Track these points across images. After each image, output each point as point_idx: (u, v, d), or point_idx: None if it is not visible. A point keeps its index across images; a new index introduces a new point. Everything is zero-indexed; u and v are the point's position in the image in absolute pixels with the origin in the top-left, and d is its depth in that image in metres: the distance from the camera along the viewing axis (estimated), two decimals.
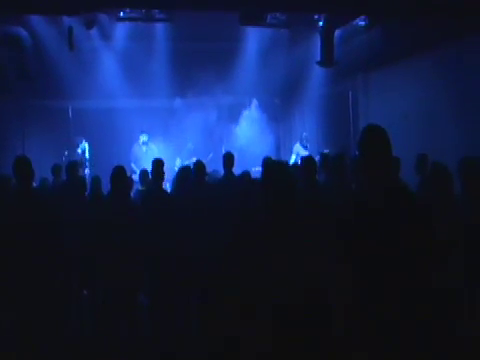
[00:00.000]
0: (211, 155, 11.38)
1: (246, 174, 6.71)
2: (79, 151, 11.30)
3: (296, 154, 11.41)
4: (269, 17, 9.99)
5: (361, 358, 2.88)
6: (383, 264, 2.86)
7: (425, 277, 2.86)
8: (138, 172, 10.29)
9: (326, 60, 10.21)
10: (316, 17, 10.42)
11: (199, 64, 11.16)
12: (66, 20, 9.65)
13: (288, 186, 3.29)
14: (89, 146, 11.51)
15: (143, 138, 11.56)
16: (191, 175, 6.35)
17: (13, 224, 4.75)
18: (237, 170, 7.00)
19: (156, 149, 11.48)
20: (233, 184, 6.44)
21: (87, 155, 11.45)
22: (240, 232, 3.84)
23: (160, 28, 11.12)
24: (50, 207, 5.04)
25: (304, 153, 10.93)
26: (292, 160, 11.10)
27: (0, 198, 5.72)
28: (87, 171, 11.18)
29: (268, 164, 5.08)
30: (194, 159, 11.18)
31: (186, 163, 10.29)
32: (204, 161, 6.82)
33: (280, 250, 3.10)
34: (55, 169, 7.99)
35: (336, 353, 2.94)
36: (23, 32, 10.14)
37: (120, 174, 5.62)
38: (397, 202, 2.96)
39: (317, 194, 5.66)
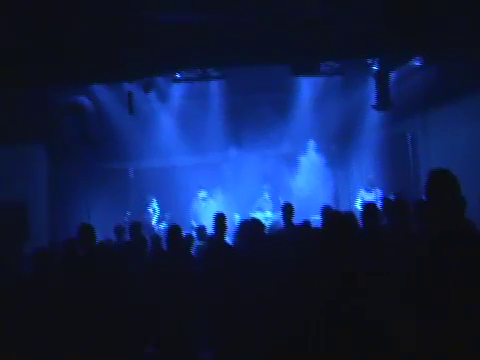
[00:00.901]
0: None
1: (306, 224, 6.66)
2: (151, 210, 11.52)
3: (361, 199, 11.20)
4: (322, 66, 10.05)
5: None
6: (452, 312, 2.73)
7: None
8: None
9: (382, 103, 10.12)
10: (370, 61, 10.41)
11: (253, 116, 11.32)
12: (126, 86, 10.07)
13: (349, 237, 3.25)
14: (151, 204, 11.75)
15: (202, 194, 11.71)
16: (254, 229, 6.32)
17: (78, 286, 4.90)
18: (296, 218, 6.95)
19: (215, 204, 11.61)
20: (294, 235, 6.38)
21: (158, 212, 11.71)
22: (303, 282, 3.79)
23: (214, 84, 11.39)
24: (113, 269, 5.15)
25: (369, 198, 10.78)
26: (357, 205, 10.88)
27: (67, 260, 5.91)
28: (162, 226, 11.35)
29: (328, 215, 5.01)
30: (269, 213, 11.35)
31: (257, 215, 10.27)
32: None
33: (345, 299, 3.05)
34: (118, 230, 8.16)
35: None
36: (86, 100, 10.65)
37: (176, 232, 5.71)
38: (466, 248, 2.85)
39: (380, 241, 5.53)
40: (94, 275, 5.00)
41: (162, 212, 11.67)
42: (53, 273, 5.46)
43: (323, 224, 3.76)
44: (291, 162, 12.25)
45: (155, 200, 11.75)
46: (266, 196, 11.86)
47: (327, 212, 6.85)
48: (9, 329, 4.94)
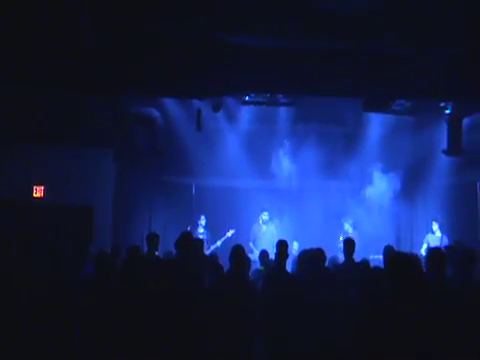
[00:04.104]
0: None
1: (366, 263, 6.53)
2: (201, 230, 11.58)
3: (427, 243, 10.89)
4: (394, 104, 9.92)
5: None
6: None
7: None
8: (255, 252, 10.38)
9: (453, 149, 9.90)
10: (442, 104, 10.20)
11: (321, 147, 11.25)
12: (196, 103, 10.24)
13: (417, 281, 3.16)
14: (207, 223, 11.79)
15: (264, 216, 11.69)
16: (316, 261, 6.24)
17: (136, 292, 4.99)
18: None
19: (275, 230, 11.54)
20: (354, 272, 6.26)
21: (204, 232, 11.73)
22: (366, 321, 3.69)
23: (283, 111, 11.42)
24: (172, 282, 5.21)
25: (435, 242, 10.47)
26: (423, 250, 10.58)
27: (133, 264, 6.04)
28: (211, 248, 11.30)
29: (395, 257, 4.86)
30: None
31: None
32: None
33: (406, 344, 2.95)
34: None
35: None
36: (156, 112, 10.89)
37: (240, 253, 5.69)
38: None
39: (445, 288, 5.35)
40: (153, 285, 5.08)
41: (217, 232, 11.67)
42: (114, 276, 5.58)
43: (387, 264, 3.64)
44: (355, 197, 12.05)
45: (203, 217, 11.77)
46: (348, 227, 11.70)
47: (390, 252, 6.76)
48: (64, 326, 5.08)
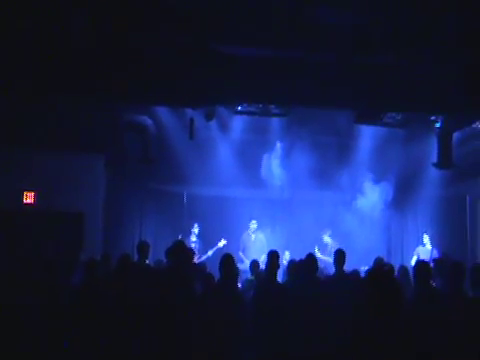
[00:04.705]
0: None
1: (356, 274, 6.56)
2: (194, 238, 11.56)
3: (417, 255, 10.94)
4: (385, 116, 9.98)
5: None
6: None
7: None
8: (246, 261, 10.38)
9: (443, 162, 9.96)
10: (433, 118, 10.28)
11: (313, 156, 11.29)
12: (188, 111, 10.24)
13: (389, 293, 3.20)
14: (200, 231, 11.78)
15: (252, 225, 11.73)
16: (307, 270, 6.25)
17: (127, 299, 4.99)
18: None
19: (264, 238, 11.55)
20: (344, 283, 6.27)
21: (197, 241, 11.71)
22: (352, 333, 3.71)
23: (276, 121, 11.45)
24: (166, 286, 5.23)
25: (425, 254, 10.52)
26: (412, 261, 10.63)
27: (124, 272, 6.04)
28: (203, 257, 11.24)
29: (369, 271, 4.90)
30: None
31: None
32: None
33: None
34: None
35: None
36: (148, 120, 10.89)
37: (229, 261, 5.69)
38: None
39: (430, 300, 5.41)
40: (143, 294, 5.06)
41: (208, 241, 11.66)
42: (103, 283, 5.56)
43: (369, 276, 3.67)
44: (346, 207, 12.11)
45: (196, 225, 11.77)
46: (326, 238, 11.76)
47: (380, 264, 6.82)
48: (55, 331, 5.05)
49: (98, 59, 7.99)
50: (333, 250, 10.21)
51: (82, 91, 8.56)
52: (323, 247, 11.30)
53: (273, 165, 11.99)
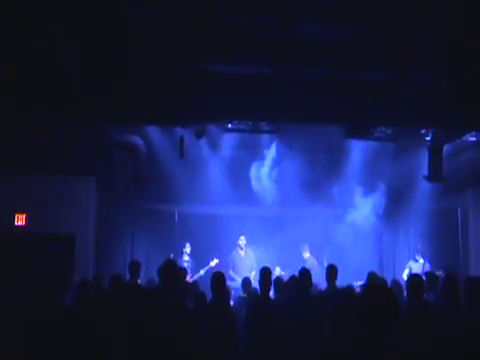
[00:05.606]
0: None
1: (349, 289, 6.49)
2: (186, 258, 11.49)
3: (409, 269, 10.94)
4: (375, 131, 10.01)
5: None
6: None
7: None
8: (237, 279, 10.32)
9: (434, 175, 9.97)
10: (423, 131, 10.32)
11: (303, 173, 11.29)
12: (178, 130, 10.24)
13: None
14: (192, 250, 11.71)
15: (241, 241, 11.71)
16: (300, 287, 6.21)
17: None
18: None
19: (253, 254, 11.53)
20: (336, 298, 6.21)
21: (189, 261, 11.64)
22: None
23: (266, 137, 11.47)
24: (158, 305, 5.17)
25: (417, 268, 10.51)
26: (404, 275, 10.61)
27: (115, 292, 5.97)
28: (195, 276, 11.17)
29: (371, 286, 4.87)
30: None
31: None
32: None
33: None
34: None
35: None
36: (138, 140, 10.87)
37: (221, 281, 5.65)
38: None
39: (425, 315, 5.40)
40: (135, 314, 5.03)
41: (200, 259, 11.58)
42: (96, 304, 5.52)
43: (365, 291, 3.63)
44: (339, 221, 12.09)
45: (188, 244, 11.71)
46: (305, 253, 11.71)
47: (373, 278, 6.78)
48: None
49: (87, 79, 7.96)
50: (313, 266, 10.30)
51: (71, 113, 8.53)
52: (302, 263, 11.24)
53: (263, 179, 11.99)
